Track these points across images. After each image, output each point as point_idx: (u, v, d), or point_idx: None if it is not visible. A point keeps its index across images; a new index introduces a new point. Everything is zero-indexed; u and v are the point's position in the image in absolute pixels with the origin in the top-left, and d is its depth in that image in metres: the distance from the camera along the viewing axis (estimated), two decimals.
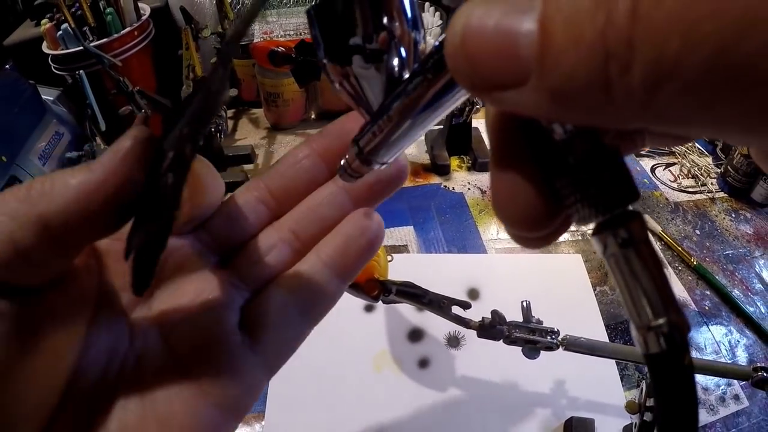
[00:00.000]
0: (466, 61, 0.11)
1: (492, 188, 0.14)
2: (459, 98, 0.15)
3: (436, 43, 0.13)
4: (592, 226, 0.13)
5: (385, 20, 0.16)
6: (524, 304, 0.44)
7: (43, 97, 0.70)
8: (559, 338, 0.43)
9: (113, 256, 0.19)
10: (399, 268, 0.56)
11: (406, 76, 0.17)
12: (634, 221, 0.12)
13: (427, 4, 0.79)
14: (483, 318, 0.43)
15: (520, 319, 0.44)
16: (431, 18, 0.79)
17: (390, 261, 0.43)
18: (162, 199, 0.14)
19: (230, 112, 0.82)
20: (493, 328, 0.43)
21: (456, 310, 0.44)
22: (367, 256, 0.21)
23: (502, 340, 0.43)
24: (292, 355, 0.21)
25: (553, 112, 0.11)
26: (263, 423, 0.47)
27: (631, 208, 0.13)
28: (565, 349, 0.43)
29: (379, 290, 0.42)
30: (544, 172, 0.13)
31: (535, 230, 0.14)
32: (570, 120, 0.12)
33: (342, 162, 0.19)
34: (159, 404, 0.18)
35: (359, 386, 0.50)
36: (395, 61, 0.17)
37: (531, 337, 0.43)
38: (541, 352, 0.43)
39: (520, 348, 0.43)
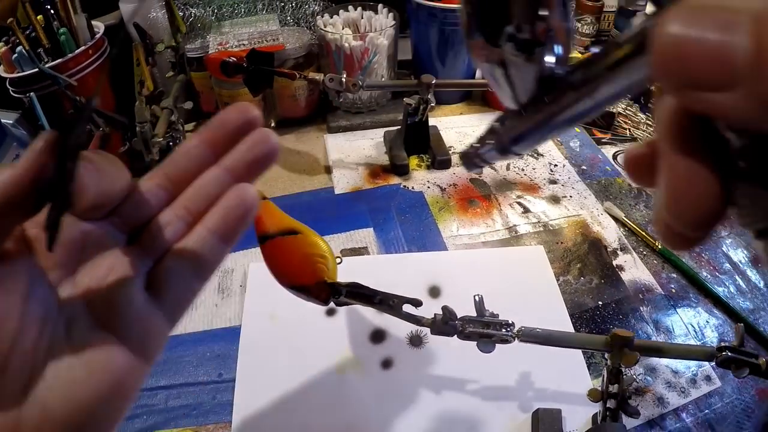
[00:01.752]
0: (679, 61, 0.12)
1: (666, 178, 0.15)
2: (620, 98, 0.15)
3: (594, 50, 0.14)
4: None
5: (540, 11, 0.16)
6: (476, 298, 0.43)
7: (3, 120, 0.70)
8: (515, 330, 0.43)
9: (41, 243, 0.23)
10: (358, 271, 0.56)
11: (559, 71, 0.17)
12: None
13: (380, 5, 0.79)
14: (435, 315, 0.43)
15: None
16: (384, 19, 0.79)
17: (339, 263, 0.43)
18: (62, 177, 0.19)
19: (191, 125, 0.82)
20: (445, 324, 0.42)
21: (408, 308, 0.43)
22: (245, 221, 0.26)
23: (456, 336, 0.43)
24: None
25: (759, 118, 0.12)
26: None
27: None
28: (521, 340, 0.43)
29: (327, 293, 0.41)
30: (721, 172, 0.14)
31: (703, 227, 0.14)
32: None
33: (470, 150, 0.20)
34: (85, 353, 0.22)
35: (324, 391, 0.49)
36: (550, 54, 0.17)
37: (485, 330, 0.43)
38: (498, 345, 0.43)
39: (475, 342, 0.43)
